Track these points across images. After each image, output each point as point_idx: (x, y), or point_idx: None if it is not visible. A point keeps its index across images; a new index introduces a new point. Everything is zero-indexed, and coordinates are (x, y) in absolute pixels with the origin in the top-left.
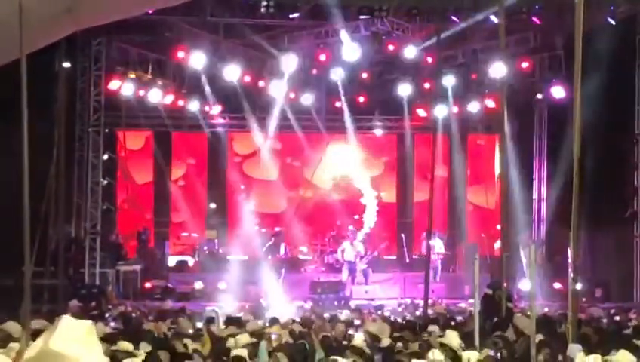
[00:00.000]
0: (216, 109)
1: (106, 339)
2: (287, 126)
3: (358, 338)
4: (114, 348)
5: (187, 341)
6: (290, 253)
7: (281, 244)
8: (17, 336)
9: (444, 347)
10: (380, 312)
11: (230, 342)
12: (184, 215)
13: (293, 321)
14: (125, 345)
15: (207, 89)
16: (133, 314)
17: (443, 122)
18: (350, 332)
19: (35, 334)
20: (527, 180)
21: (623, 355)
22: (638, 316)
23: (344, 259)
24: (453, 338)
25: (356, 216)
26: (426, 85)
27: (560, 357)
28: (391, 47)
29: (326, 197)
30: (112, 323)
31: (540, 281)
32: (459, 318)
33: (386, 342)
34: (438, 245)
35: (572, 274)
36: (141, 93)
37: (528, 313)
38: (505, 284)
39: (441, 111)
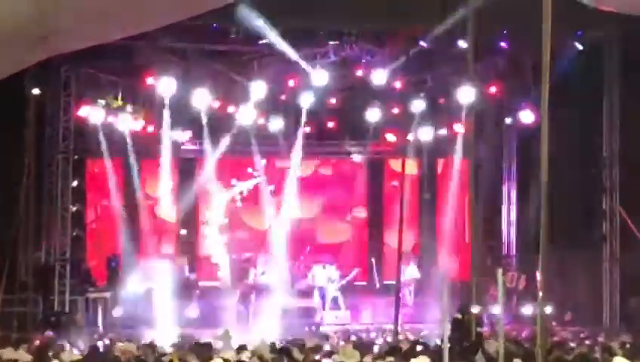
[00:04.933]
0: (186, 135)
1: None
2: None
3: None
4: None
5: None
6: (260, 278)
7: (250, 270)
8: None
9: None
10: (350, 338)
11: None
12: (154, 241)
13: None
14: None
15: (178, 115)
16: (101, 342)
17: (412, 147)
18: (317, 357)
19: None
20: (496, 204)
21: None
22: (607, 339)
23: (315, 283)
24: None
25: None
26: (395, 110)
27: None
28: (360, 73)
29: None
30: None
31: (510, 306)
32: (428, 343)
33: None
34: (411, 271)
35: (541, 298)
36: (111, 119)
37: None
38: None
39: (410, 135)
